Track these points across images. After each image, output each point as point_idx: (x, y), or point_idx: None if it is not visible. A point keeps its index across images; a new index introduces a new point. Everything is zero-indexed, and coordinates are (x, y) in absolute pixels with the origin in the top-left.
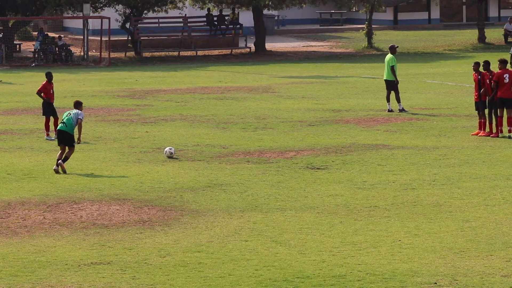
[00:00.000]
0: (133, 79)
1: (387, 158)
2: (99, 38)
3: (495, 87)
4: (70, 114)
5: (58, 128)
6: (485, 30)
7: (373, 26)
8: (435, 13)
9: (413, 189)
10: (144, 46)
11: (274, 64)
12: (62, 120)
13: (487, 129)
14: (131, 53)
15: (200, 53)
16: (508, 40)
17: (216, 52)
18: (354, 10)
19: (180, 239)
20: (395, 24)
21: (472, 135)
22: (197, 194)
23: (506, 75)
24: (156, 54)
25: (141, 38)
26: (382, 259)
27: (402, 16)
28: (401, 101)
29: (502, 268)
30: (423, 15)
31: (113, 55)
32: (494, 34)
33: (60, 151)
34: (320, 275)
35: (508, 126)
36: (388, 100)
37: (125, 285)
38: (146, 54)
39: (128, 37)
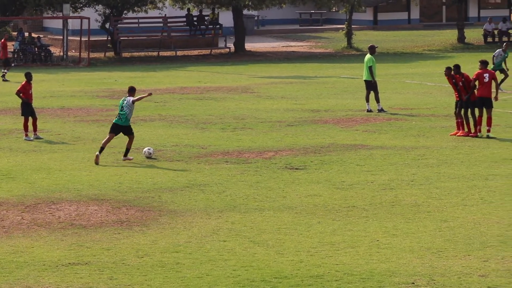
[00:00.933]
0: (112, 79)
1: (365, 158)
2: (79, 38)
3: (474, 86)
4: (123, 108)
5: (114, 121)
6: (464, 30)
7: (352, 26)
8: (415, 13)
9: (392, 189)
10: (123, 46)
11: (254, 64)
12: (119, 113)
13: (465, 129)
14: (110, 53)
15: (179, 53)
16: (488, 40)
17: (195, 52)
18: (334, 10)
19: (158, 239)
20: (375, 24)
21: (450, 135)
22: (175, 194)
23: (486, 75)
24: (136, 54)
25: (121, 38)
26: (360, 259)
27: (381, 16)
28: (380, 101)
29: (480, 268)
30: (403, 15)
31: (92, 55)
32: (473, 34)
33: (108, 137)
34: (298, 275)
35: (487, 126)
36: (367, 100)
37: (102, 285)
38: (126, 54)
39: (107, 37)
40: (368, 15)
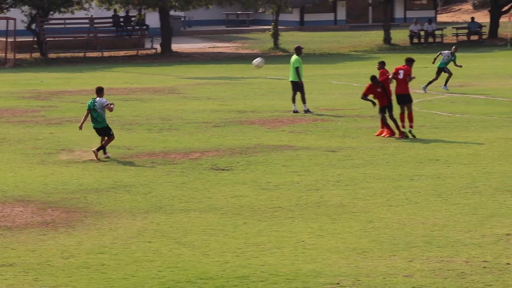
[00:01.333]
0: (38, 80)
1: (291, 159)
2: (5, 39)
3: (394, 79)
4: (97, 110)
5: (93, 126)
6: (390, 31)
7: (279, 27)
8: (341, 14)
9: (317, 190)
10: (50, 47)
11: (180, 65)
12: (94, 117)
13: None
14: (36, 54)
15: (106, 54)
16: (414, 41)
17: (122, 53)
18: (260, 11)
19: (84, 240)
20: (302, 25)
21: (376, 135)
22: (101, 195)
23: (401, 71)
24: (62, 55)
25: (47, 39)
26: (286, 259)
27: (308, 17)
28: (306, 102)
29: (405, 269)
30: (329, 16)
31: (18, 56)
32: (399, 35)
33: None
34: (223, 276)
35: (409, 122)
36: (293, 101)
37: (27, 287)
38: (52, 55)
39: (34, 38)
40: (294, 16)
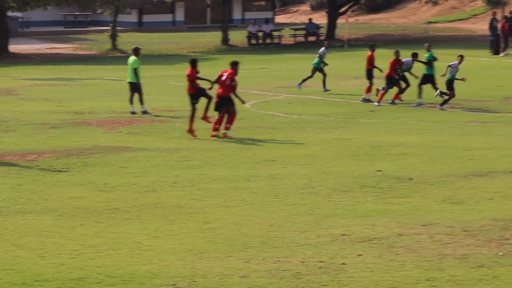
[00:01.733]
0: None
1: (128, 160)
2: None
3: (216, 81)
4: None
5: None
6: (229, 32)
7: (118, 28)
8: (180, 15)
9: (154, 191)
10: None
11: (17, 66)
12: None
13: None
14: None
15: None
16: (252, 42)
17: None
18: (99, 12)
19: None
20: (140, 26)
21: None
22: None
23: (225, 73)
24: None
25: None
26: (122, 261)
27: (147, 18)
28: (144, 103)
29: (241, 269)
30: (168, 17)
31: None
32: (238, 36)
33: None
34: (59, 278)
35: (227, 123)
36: (131, 102)
37: None
38: None
39: None
40: (133, 17)
